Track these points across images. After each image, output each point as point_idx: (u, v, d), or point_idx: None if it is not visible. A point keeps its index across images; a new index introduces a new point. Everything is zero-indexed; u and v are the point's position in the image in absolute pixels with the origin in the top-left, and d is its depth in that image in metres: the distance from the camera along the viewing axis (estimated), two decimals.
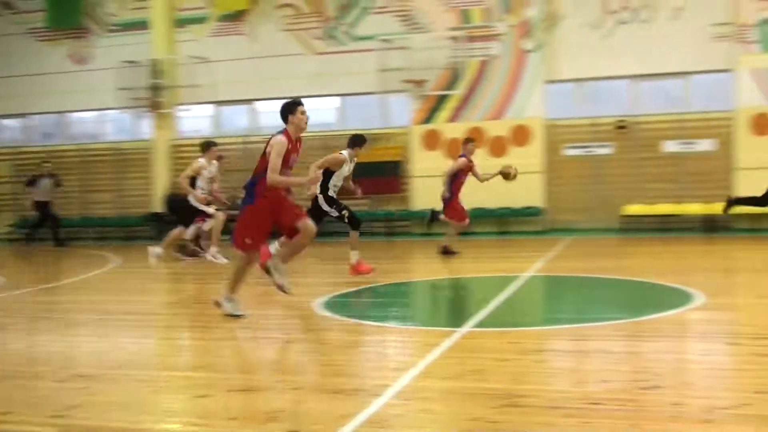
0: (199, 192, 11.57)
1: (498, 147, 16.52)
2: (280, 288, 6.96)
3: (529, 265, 10.24)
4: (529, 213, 16.44)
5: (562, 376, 4.83)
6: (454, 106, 17.02)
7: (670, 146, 15.82)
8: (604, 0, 16.21)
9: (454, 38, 16.70)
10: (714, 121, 15.66)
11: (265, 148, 6.60)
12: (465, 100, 16.93)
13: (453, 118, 17.03)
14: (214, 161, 11.84)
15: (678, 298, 7.25)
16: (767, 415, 3.81)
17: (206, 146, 11.75)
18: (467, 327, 6.17)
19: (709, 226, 15.19)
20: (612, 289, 8.50)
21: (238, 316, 6.70)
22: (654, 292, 8.06)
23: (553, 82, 16.65)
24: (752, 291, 8.47)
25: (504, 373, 4.74)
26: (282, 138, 6.55)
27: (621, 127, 16.14)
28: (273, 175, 6.44)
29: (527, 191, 15.88)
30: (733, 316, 6.80)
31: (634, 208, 15.87)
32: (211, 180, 11.77)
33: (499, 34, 16.59)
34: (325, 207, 9.16)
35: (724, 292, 8.28)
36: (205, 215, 11.71)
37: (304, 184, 7.51)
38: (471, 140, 11.89)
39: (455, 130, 16.50)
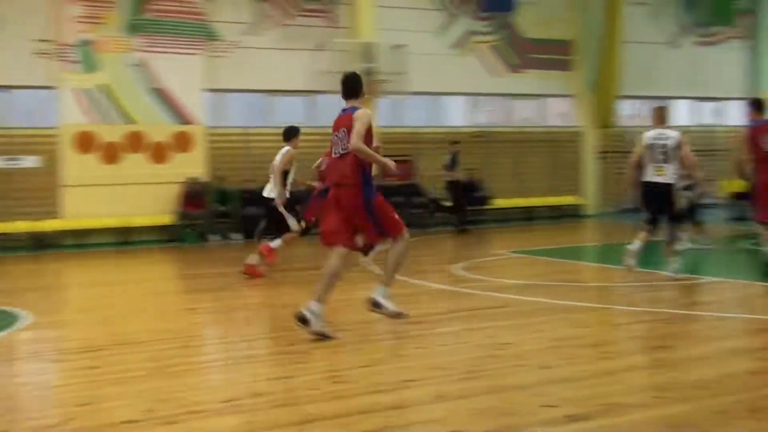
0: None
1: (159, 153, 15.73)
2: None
3: None
4: None
5: None
6: None
7: None
8: None
9: None
10: (39, 137, 15.69)
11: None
12: None
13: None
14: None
15: (4, 320, 7.10)
16: (99, 425, 4.06)
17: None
18: None
19: (37, 244, 15.15)
20: None
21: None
22: None
23: None
24: (78, 306, 8.88)
25: None
26: (367, 110, 6.38)
27: None
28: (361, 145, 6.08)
29: None
30: (60, 333, 7.01)
31: None
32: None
33: None
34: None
35: (53, 309, 8.46)
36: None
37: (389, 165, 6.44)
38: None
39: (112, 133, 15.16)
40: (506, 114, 21.35)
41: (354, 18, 18.10)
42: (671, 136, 8.84)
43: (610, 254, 12.50)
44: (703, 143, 22.73)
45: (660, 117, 9.19)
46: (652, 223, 9.01)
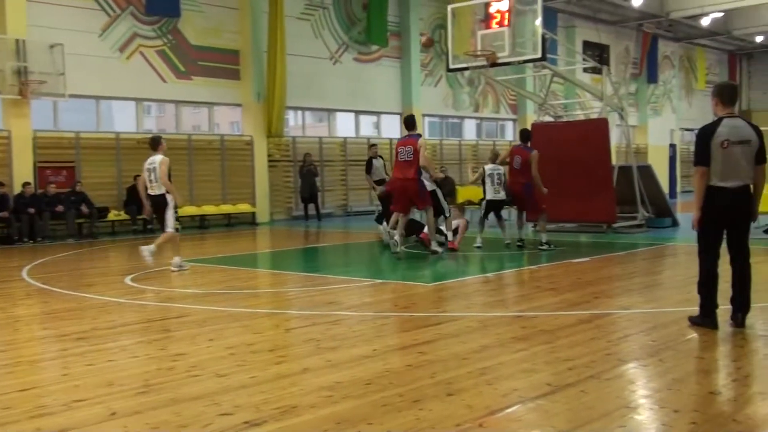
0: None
1: None
2: None
3: None
4: None
5: None
6: None
7: None
8: None
9: None
10: None
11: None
12: None
13: None
14: None
15: None
16: None
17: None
18: None
19: None
20: None
21: None
22: None
23: None
24: None
25: None
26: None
27: None
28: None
29: None
30: None
31: None
32: None
33: None
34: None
35: None
36: None
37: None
38: None
39: None
40: (176, 121, 20.95)
41: (1, 12, 16.48)
42: None
43: (282, 260, 12.90)
44: (363, 154, 24.52)
45: None
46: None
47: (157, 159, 10.73)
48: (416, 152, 11.37)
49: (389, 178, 14.00)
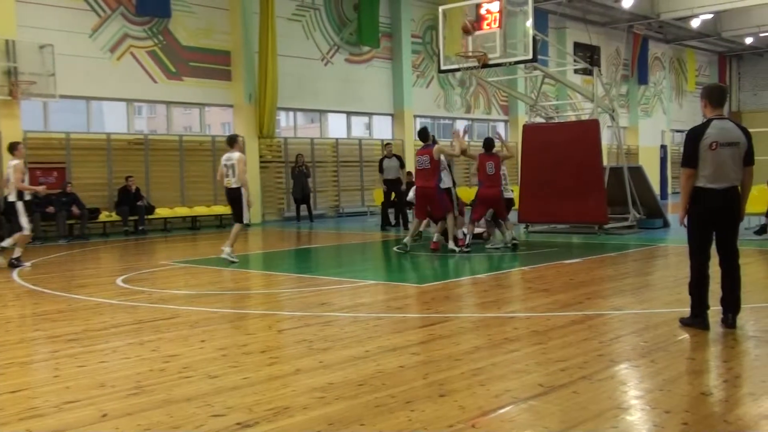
0: None
1: None
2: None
3: None
4: None
5: None
6: None
7: None
8: None
9: None
10: None
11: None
12: None
13: None
14: None
15: None
16: None
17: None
18: None
19: None
20: None
21: None
22: None
23: None
24: None
25: None
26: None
27: None
28: None
29: None
30: None
31: None
32: None
33: None
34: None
35: None
36: None
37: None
38: None
39: None
40: (167, 121, 20.91)
41: None
42: None
43: (274, 261, 12.88)
44: (355, 155, 24.52)
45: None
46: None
47: (235, 156, 11.62)
48: (433, 161, 12.14)
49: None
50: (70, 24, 17.82)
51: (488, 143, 13.11)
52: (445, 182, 12.66)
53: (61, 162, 17.75)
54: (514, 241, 12.74)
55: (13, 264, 11.71)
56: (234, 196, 11.81)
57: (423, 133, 12.72)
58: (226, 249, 11.66)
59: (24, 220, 11.89)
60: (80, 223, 17.00)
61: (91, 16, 18.29)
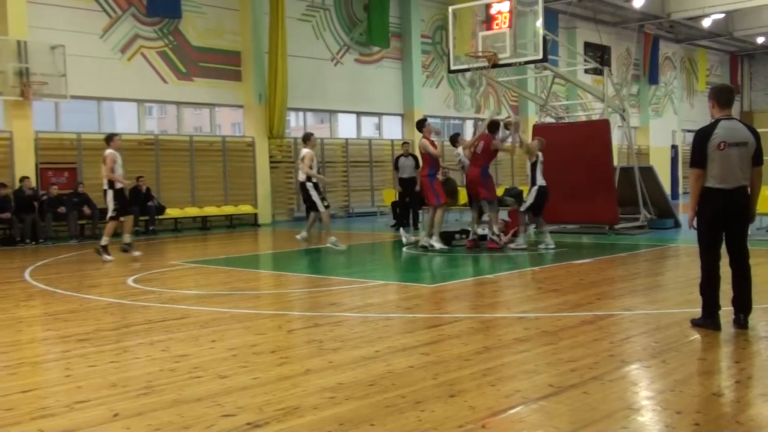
0: None
1: None
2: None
3: None
4: None
5: None
6: None
7: None
8: None
9: None
10: None
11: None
12: None
13: None
14: None
15: None
16: None
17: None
18: None
19: None
20: None
21: None
22: None
23: None
24: None
25: None
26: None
27: None
28: None
29: None
30: None
31: None
32: None
33: None
34: None
35: None
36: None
37: None
38: None
39: None
40: (177, 122, 20.98)
41: (2, 13, 16.50)
42: None
43: (284, 261, 12.90)
44: (365, 155, 24.53)
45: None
46: None
47: (303, 152, 12.93)
48: (422, 152, 12.98)
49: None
50: (81, 25, 17.90)
51: (492, 124, 12.86)
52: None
53: (72, 162, 17.84)
54: (550, 247, 12.43)
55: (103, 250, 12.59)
56: (302, 188, 13.07)
57: (419, 124, 13.29)
58: (331, 239, 13.10)
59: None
60: (91, 223, 17.07)
61: (102, 16, 18.37)
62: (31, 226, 15.94)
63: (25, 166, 16.78)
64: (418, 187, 17.04)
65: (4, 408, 4.48)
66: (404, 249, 13.06)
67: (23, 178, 16.28)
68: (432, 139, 12.88)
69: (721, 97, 6.28)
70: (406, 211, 18.09)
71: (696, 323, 6.30)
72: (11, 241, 15.79)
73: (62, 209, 16.55)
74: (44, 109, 17.81)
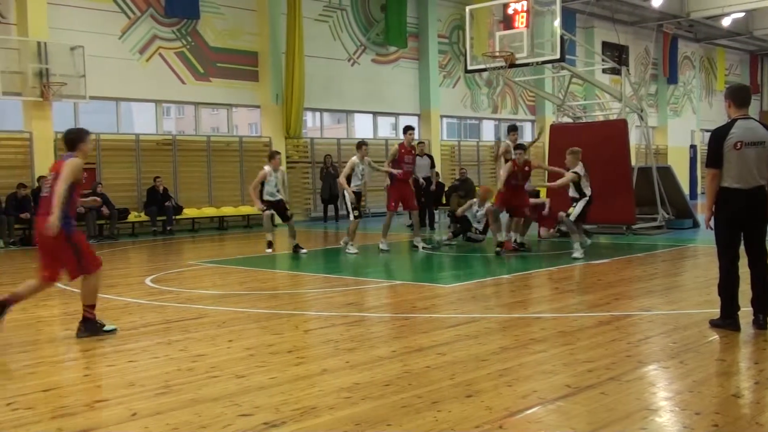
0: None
1: None
2: None
3: None
4: None
5: None
6: None
7: None
8: None
9: None
10: None
11: None
12: None
13: None
14: None
15: None
16: None
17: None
18: None
19: None
20: None
21: None
22: None
23: None
24: None
25: None
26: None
27: None
28: None
29: None
30: None
31: None
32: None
33: None
34: None
35: None
36: None
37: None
38: None
39: None
40: (195, 122, 21.08)
41: (23, 14, 16.64)
42: None
43: (300, 261, 12.92)
44: (381, 155, 24.52)
45: None
46: None
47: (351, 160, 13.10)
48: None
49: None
50: (101, 26, 18.03)
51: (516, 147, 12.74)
52: None
53: (91, 163, 17.94)
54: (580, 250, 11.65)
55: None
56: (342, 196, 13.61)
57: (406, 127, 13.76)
58: (344, 239, 13.19)
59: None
60: (109, 223, 17.19)
61: (120, 17, 18.49)
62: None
63: (44, 166, 16.87)
64: (433, 187, 17.01)
65: (25, 407, 4.52)
66: (421, 248, 13.04)
67: (41, 178, 16.41)
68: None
69: (738, 96, 6.24)
70: (421, 211, 18.05)
71: (715, 324, 6.26)
72: (31, 240, 15.93)
73: (81, 209, 16.65)
74: (63, 109, 17.95)
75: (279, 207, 13.43)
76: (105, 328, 6.58)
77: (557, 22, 14.31)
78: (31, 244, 15.76)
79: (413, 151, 13.64)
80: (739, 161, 5.98)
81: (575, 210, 11.90)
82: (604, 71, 27.90)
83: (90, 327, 6.51)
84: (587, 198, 11.99)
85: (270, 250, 13.34)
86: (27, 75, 16.37)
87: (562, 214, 12.06)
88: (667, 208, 16.00)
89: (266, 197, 13.28)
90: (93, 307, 6.58)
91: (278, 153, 13.89)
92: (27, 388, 4.96)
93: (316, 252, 13.93)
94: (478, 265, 11.35)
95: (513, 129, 13.95)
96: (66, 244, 6.38)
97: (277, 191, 13.32)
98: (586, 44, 28.17)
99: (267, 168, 13.24)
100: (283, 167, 13.95)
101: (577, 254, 11.39)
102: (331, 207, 21.49)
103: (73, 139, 7.05)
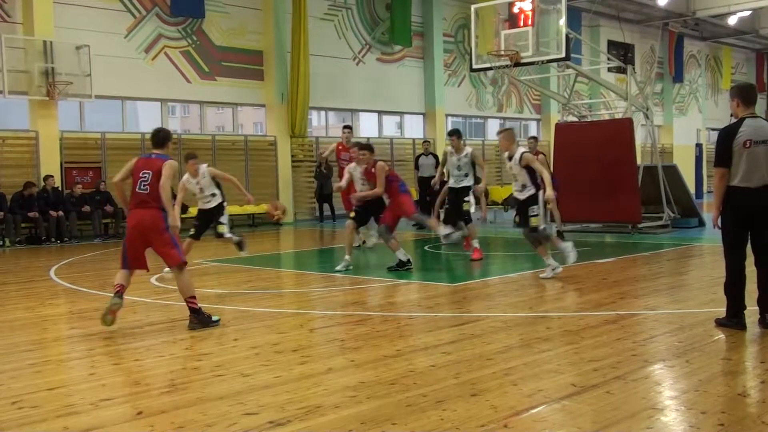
0: None
1: None
2: None
3: None
4: None
5: None
6: None
7: None
8: None
9: None
10: None
11: None
12: None
13: None
14: None
15: None
16: None
17: None
18: None
19: None
20: None
21: None
22: None
23: None
24: None
25: None
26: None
27: None
28: None
29: None
30: None
31: None
32: None
33: None
34: None
35: None
36: None
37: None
38: None
39: None
40: (200, 121, 21.09)
41: (28, 13, 16.67)
42: None
43: (306, 260, 12.93)
44: (386, 154, 24.49)
45: None
46: None
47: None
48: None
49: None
50: (106, 25, 18.05)
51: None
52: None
53: (96, 162, 18.00)
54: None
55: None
56: None
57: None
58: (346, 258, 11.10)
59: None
60: (115, 221, 17.22)
61: (126, 17, 18.51)
62: (55, 225, 16.11)
63: (50, 165, 16.95)
64: (437, 186, 16.94)
65: (31, 405, 4.53)
66: (426, 248, 13.02)
67: (47, 177, 16.46)
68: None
69: (746, 95, 6.23)
70: (427, 210, 18.04)
71: (721, 323, 6.24)
72: (37, 239, 15.98)
73: (86, 208, 16.70)
74: (69, 108, 17.99)
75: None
76: (213, 318, 6.84)
77: (563, 21, 14.28)
78: (37, 243, 15.80)
79: (349, 150, 13.24)
80: (749, 159, 5.97)
81: (538, 217, 9.42)
82: (609, 70, 27.84)
83: (201, 318, 6.75)
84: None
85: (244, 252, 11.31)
86: (33, 74, 16.40)
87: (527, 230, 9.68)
88: (672, 207, 15.96)
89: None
90: (195, 297, 6.85)
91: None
92: (33, 386, 4.97)
93: (320, 251, 13.92)
94: (482, 264, 11.33)
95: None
96: (168, 233, 7.07)
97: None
98: (592, 43, 28.11)
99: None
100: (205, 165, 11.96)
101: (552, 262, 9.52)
102: (326, 206, 21.36)
103: (164, 137, 7.65)
